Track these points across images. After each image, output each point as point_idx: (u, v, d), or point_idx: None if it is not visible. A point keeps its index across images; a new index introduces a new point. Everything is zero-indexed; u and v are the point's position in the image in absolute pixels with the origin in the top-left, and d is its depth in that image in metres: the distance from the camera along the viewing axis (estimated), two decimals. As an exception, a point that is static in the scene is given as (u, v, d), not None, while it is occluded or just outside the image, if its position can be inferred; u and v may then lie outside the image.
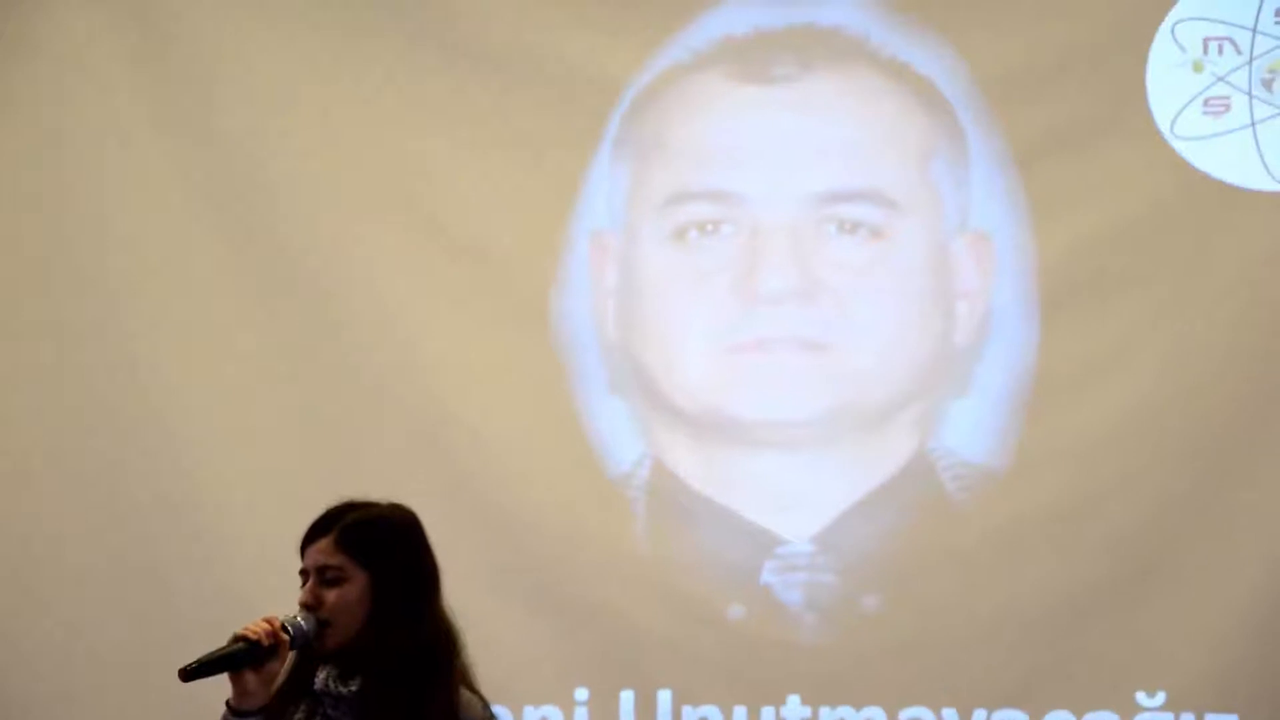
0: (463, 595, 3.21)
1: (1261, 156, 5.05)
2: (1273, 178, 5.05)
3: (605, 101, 5.20)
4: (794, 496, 5.11)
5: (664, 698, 5.06)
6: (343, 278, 5.21)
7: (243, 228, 5.25)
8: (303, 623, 3.04)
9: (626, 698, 5.06)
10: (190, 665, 2.95)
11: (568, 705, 5.06)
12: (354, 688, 3.03)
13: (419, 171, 5.22)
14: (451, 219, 5.21)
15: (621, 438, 5.15)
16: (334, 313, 5.21)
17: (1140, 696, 4.98)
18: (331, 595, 3.05)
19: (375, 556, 3.07)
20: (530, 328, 5.16)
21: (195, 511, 5.18)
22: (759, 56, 5.16)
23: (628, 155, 5.21)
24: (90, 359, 5.27)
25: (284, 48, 5.27)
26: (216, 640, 3.04)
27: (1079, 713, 4.98)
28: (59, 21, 5.32)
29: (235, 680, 3.00)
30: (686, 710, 5.05)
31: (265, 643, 2.99)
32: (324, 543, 3.08)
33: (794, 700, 5.05)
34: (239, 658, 2.98)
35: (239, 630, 3.00)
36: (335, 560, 3.06)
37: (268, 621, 3.01)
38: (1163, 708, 4.96)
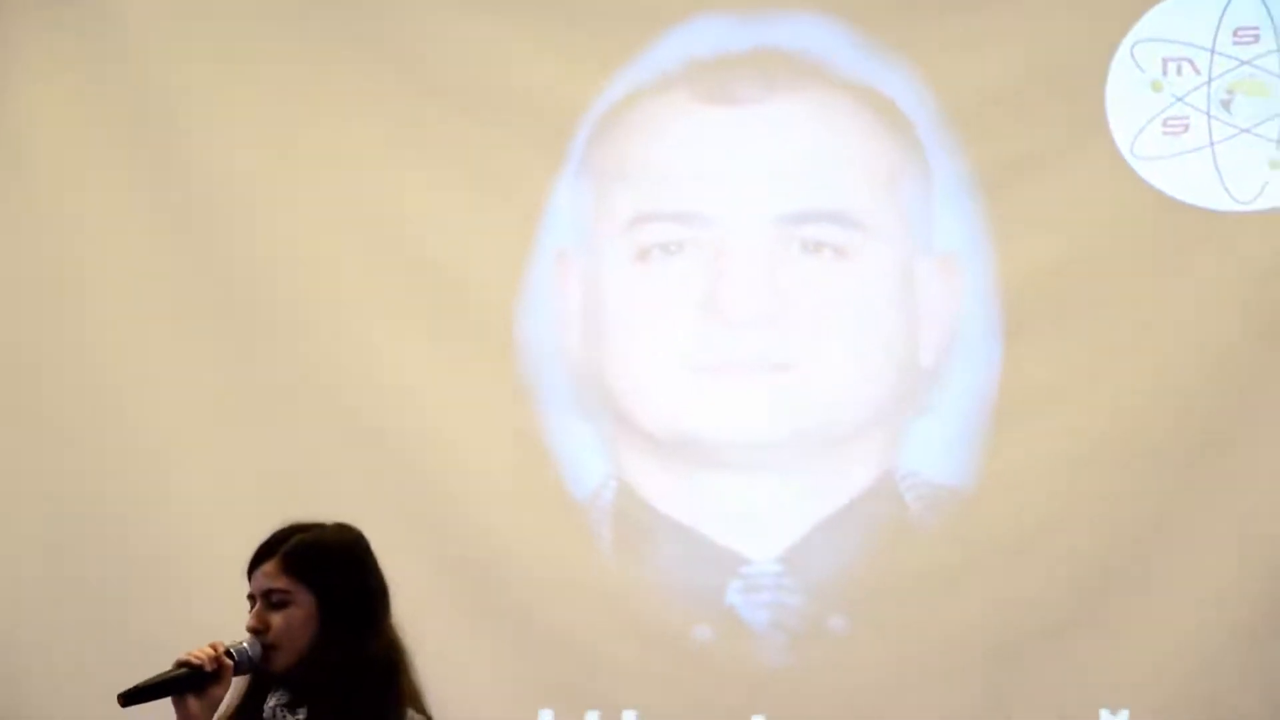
0: (426, 617, 3.11)
1: (1220, 176, 5.00)
2: (1232, 197, 4.99)
3: (569, 123, 5.11)
4: (759, 517, 5.02)
5: (629, 718, 4.95)
6: (306, 300, 5.10)
7: (204, 252, 5.12)
8: (248, 648, 2.93)
9: (592, 719, 4.95)
10: (129, 690, 2.84)
11: None
12: (301, 716, 2.92)
13: (383, 195, 5.12)
14: (416, 241, 5.11)
15: (586, 459, 5.05)
16: (297, 334, 5.10)
17: (1104, 715, 4.91)
18: (278, 619, 2.94)
19: (321, 578, 2.96)
20: (494, 349, 5.07)
21: (146, 530, 5.04)
22: (723, 78, 5.08)
23: (592, 176, 5.12)
24: (43, 371, 5.14)
25: (248, 77, 5.17)
26: (165, 660, 2.92)
27: None
28: (23, 46, 5.22)
29: (178, 706, 2.89)
30: (651, 730, 4.96)
31: (208, 668, 2.88)
32: (269, 566, 2.98)
33: (759, 720, 4.95)
34: (181, 683, 2.87)
35: (182, 655, 2.89)
36: (281, 584, 2.96)
37: (212, 647, 2.90)
38: (1126, 726, 4.90)
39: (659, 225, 5.07)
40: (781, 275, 5.02)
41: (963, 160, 5.04)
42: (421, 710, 2.98)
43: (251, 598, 2.98)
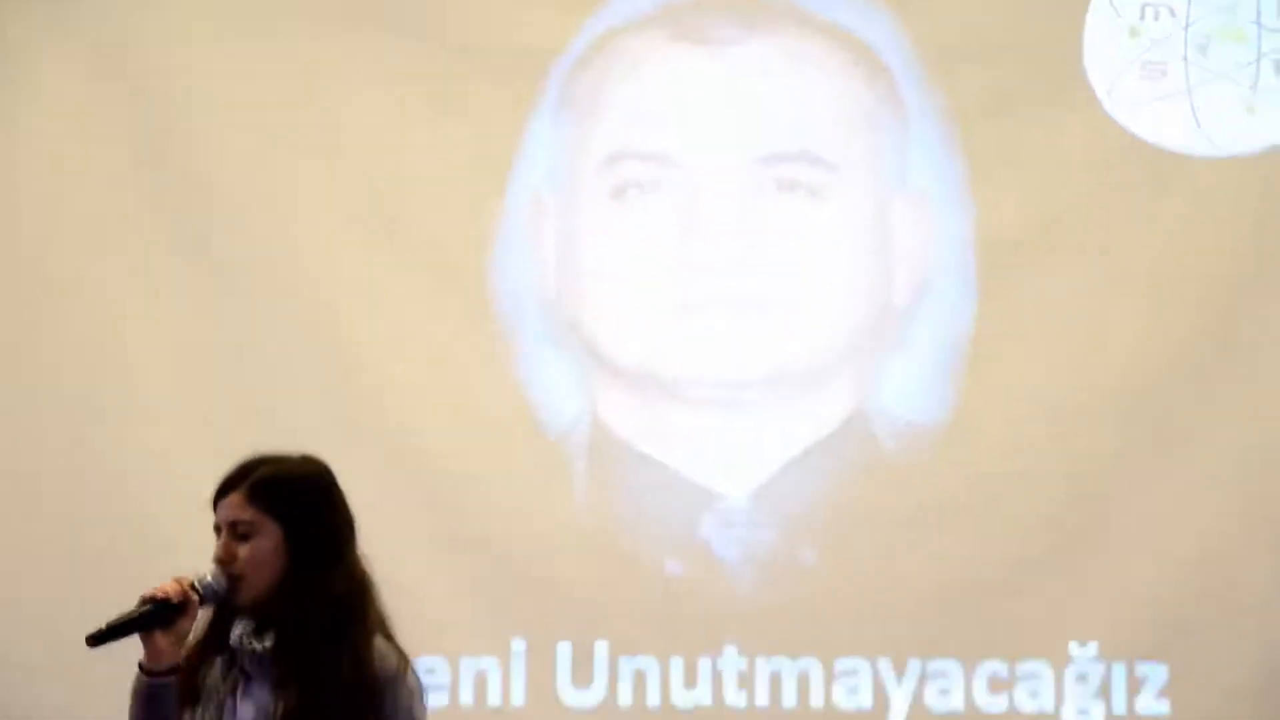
0: (400, 550, 3.15)
1: (1197, 121, 4.98)
2: (1209, 141, 4.98)
3: (543, 63, 5.07)
4: (732, 453, 5.03)
5: (601, 649, 4.97)
6: (278, 238, 5.06)
7: (177, 190, 5.07)
8: (213, 581, 2.93)
9: (563, 649, 4.97)
10: (97, 630, 2.85)
11: (505, 657, 4.96)
12: (268, 643, 2.93)
13: (356, 135, 5.07)
14: (389, 182, 5.07)
15: (560, 395, 5.04)
16: (268, 273, 5.06)
17: (1073, 647, 4.94)
18: (244, 550, 2.94)
19: (287, 510, 2.95)
20: (469, 286, 5.04)
21: (115, 467, 5.02)
22: (700, 19, 5.06)
23: (567, 115, 5.09)
24: (16, 304, 5.08)
25: (215, 12, 5.10)
26: (134, 595, 2.92)
27: (1012, 663, 4.94)
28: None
29: (146, 641, 2.89)
30: (623, 661, 4.97)
31: (175, 602, 2.88)
32: (235, 497, 2.95)
33: (730, 651, 4.97)
34: (147, 619, 2.87)
35: (147, 592, 2.90)
36: (247, 515, 2.95)
37: (176, 581, 2.91)
38: (1095, 657, 4.93)
39: (634, 164, 5.05)
40: (756, 214, 5.01)
41: (939, 103, 5.02)
42: (390, 639, 2.98)
43: (218, 528, 2.98)
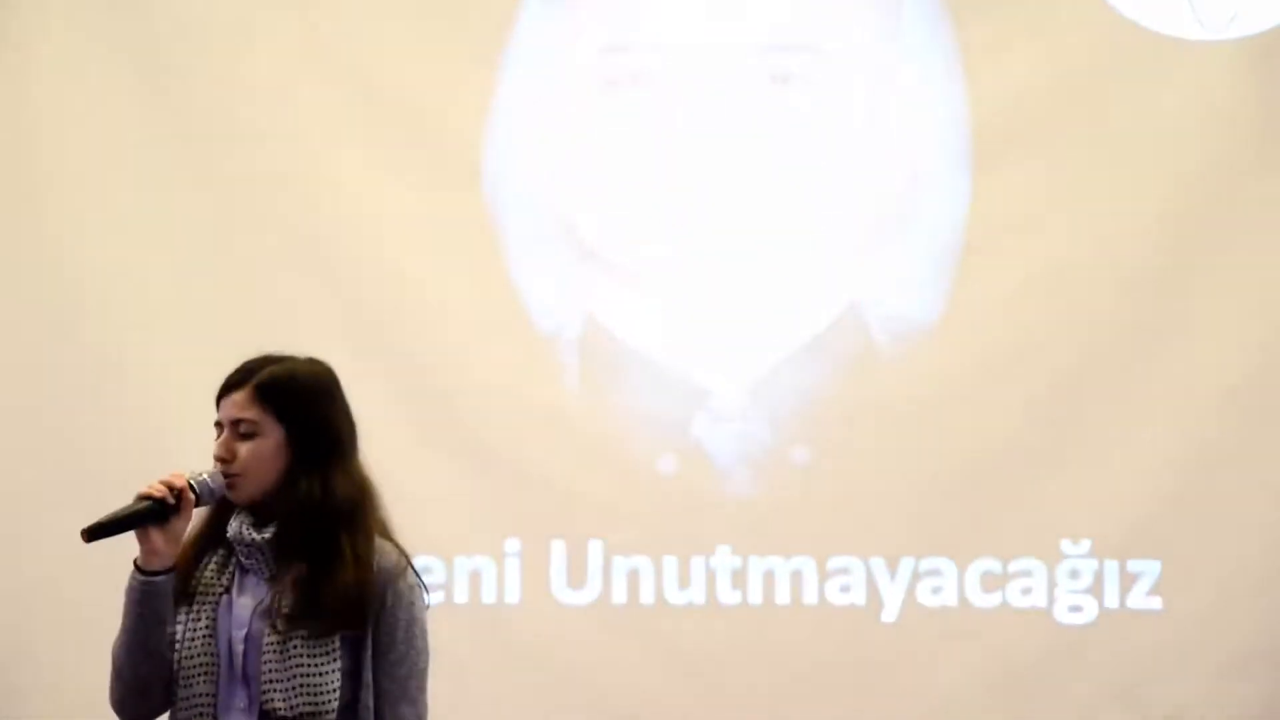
0: (394, 449, 3.09)
1: (1192, 4, 4.92)
2: (1203, 25, 4.92)
3: (534, -50, 4.99)
4: (725, 349, 4.98)
5: (595, 549, 4.93)
6: (270, 134, 4.96)
7: (169, 88, 4.96)
8: (209, 480, 2.85)
9: (557, 548, 4.93)
10: (92, 525, 2.77)
11: (499, 556, 4.92)
12: (267, 535, 2.85)
13: (343, 27, 4.97)
14: (378, 74, 4.97)
15: (552, 291, 4.97)
16: (261, 169, 4.96)
17: (1065, 544, 4.92)
18: (245, 448, 2.86)
19: (291, 411, 2.88)
20: (459, 181, 4.96)
21: (118, 367, 4.94)
22: (692, -93, 4.96)
23: (558, 6, 4.98)
24: (13, 235, 4.98)
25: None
26: (132, 493, 2.84)
27: (1005, 561, 4.92)
28: None
29: (142, 540, 2.82)
30: (617, 561, 4.93)
31: (170, 500, 2.81)
32: (239, 395, 2.88)
33: (724, 551, 4.94)
34: (142, 516, 2.80)
35: (143, 489, 2.82)
36: (250, 413, 2.87)
37: (173, 479, 2.82)
38: (1088, 554, 4.91)
39: (625, 55, 4.96)
40: (748, 105, 4.93)
41: (933, -11, 4.97)
42: (390, 539, 2.92)
43: (219, 425, 2.90)
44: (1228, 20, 4.92)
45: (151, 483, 2.81)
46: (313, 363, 2.96)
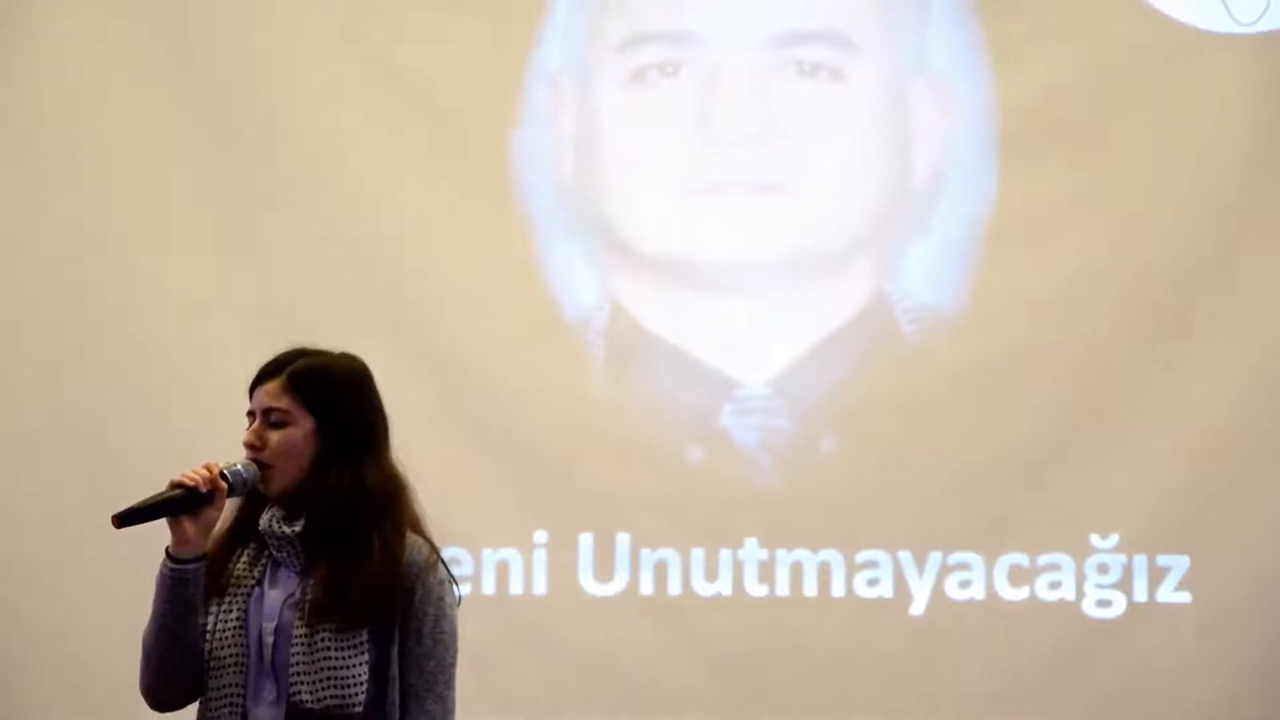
0: (421, 440, 3.04)
1: (1223, -2, 4.87)
2: (1233, 19, 4.88)
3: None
4: (752, 340, 4.94)
5: (622, 541, 4.88)
6: (302, 127, 4.93)
7: (202, 78, 4.93)
8: (242, 470, 2.83)
9: (585, 541, 4.88)
10: (124, 511, 2.75)
11: (526, 548, 4.88)
12: (298, 528, 2.83)
13: (375, 14, 4.95)
14: (407, 63, 4.94)
15: (579, 282, 4.93)
16: (291, 160, 4.92)
17: (1094, 539, 4.87)
18: (276, 437, 2.84)
19: (323, 402, 2.86)
20: (488, 172, 4.92)
21: (148, 359, 4.89)
22: (720, -102, 4.93)
23: (587, -3, 4.97)
24: (46, 204, 4.93)
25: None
26: (161, 481, 2.81)
27: (1033, 555, 4.87)
28: None
29: (173, 528, 2.80)
30: (644, 553, 4.88)
31: (203, 489, 2.78)
32: (272, 385, 2.87)
33: (751, 543, 4.89)
34: (175, 504, 2.77)
35: (176, 477, 2.79)
36: (282, 403, 2.85)
37: (206, 468, 2.80)
38: (1116, 549, 4.86)
39: (654, 46, 4.91)
40: (776, 96, 4.89)
41: (962, -21, 4.93)
42: (422, 534, 2.90)
43: (251, 415, 2.88)
44: (1259, 13, 4.88)
45: (185, 471, 2.78)
46: (345, 356, 2.95)
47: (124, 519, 2.74)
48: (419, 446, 2.97)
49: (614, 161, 4.95)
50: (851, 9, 4.94)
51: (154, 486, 2.81)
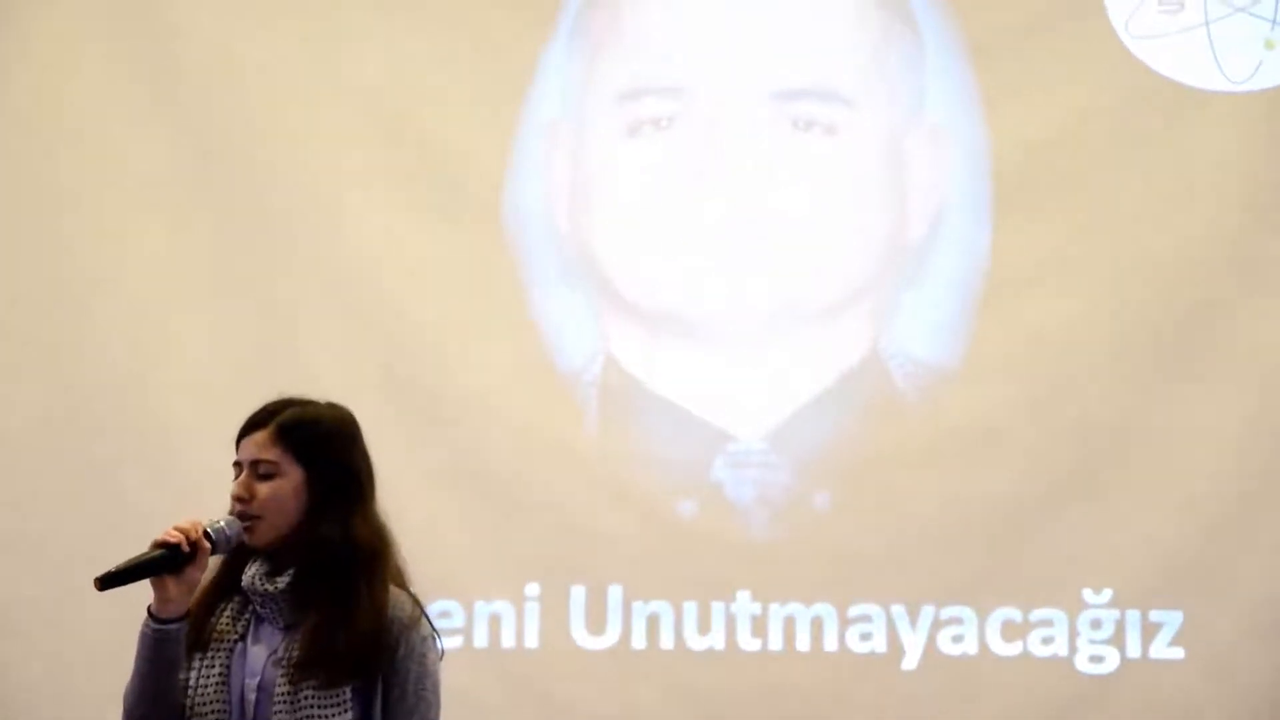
0: (413, 491, 3.02)
1: (1215, 56, 4.87)
2: (1226, 77, 4.87)
3: (557, -7, 4.95)
4: (746, 393, 4.90)
5: (614, 593, 4.84)
6: (294, 170, 4.91)
7: (192, 123, 4.92)
8: (225, 527, 2.79)
9: (577, 593, 4.84)
10: (106, 574, 2.72)
11: (518, 600, 4.83)
12: (281, 584, 2.80)
13: (370, 62, 4.93)
14: (402, 108, 4.92)
15: (573, 332, 4.91)
16: (281, 204, 4.90)
17: (1087, 594, 4.83)
18: (264, 489, 2.81)
19: (311, 453, 2.83)
20: (481, 220, 4.90)
21: (141, 407, 4.86)
22: (714, -48, 4.92)
23: (582, 46, 4.94)
24: (33, 265, 4.92)
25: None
26: (153, 531, 2.79)
27: (1026, 610, 4.84)
28: None
29: (156, 587, 2.76)
30: (637, 606, 4.84)
31: (185, 549, 2.75)
32: (260, 436, 2.84)
33: (744, 596, 4.85)
34: (156, 564, 2.74)
35: (159, 536, 2.76)
36: (270, 454, 2.82)
37: (189, 526, 2.77)
38: (1109, 604, 4.83)
39: (650, 100, 4.90)
40: (771, 151, 4.88)
41: (955, 33, 4.91)
42: (405, 588, 2.86)
43: (238, 466, 2.85)
44: (1251, 71, 4.87)
45: (167, 529, 2.76)
46: (333, 407, 2.92)
47: (105, 581, 2.71)
48: (411, 498, 2.99)
49: (608, 211, 4.93)
50: (846, 66, 4.92)
51: (143, 530, 2.79)
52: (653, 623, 4.84)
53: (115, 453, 4.86)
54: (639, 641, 4.83)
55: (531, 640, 4.82)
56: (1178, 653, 4.81)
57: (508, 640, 4.82)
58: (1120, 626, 4.81)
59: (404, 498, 2.93)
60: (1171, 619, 4.81)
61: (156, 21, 4.94)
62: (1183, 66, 4.88)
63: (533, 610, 4.83)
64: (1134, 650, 4.81)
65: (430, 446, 4.80)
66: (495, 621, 4.82)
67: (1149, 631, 4.81)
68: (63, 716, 4.79)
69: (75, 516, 4.82)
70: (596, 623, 4.83)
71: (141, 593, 2.78)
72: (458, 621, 4.75)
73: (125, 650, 2.85)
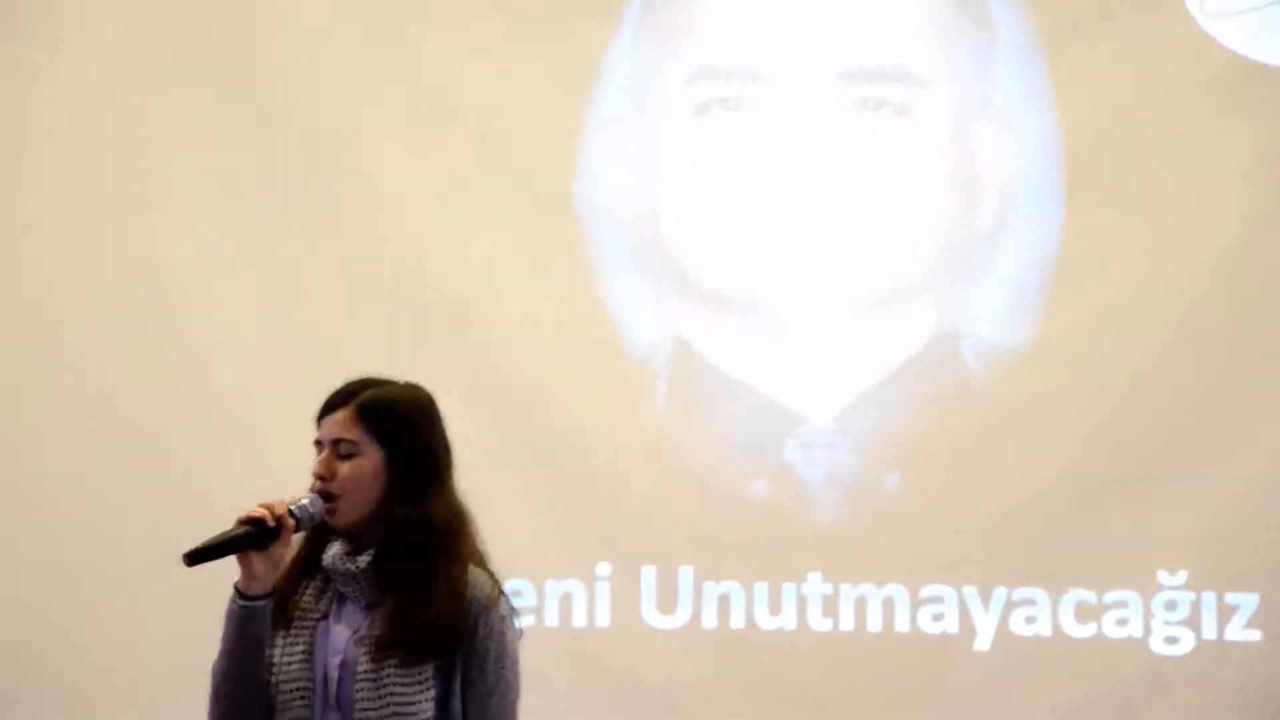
0: (486, 473, 3.02)
1: (1294, 29, 4.81)
2: (1295, 52, 4.82)
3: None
4: (816, 375, 4.89)
5: (685, 574, 4.84)
6: (364, 167, 4.90)
7: (261, 121, 4.91)
8: (309, 505, 2.81)
9: (648, 573, 4.85)
10: (194, 549, 2.74)
11: (589, 580, 4.85)
12: (362, 564, 2.81)
13: (439, 56, 4.93)
14: (473, 101, 4.92)
15: (643, 316, 4.90)
16: (359, 198, 4.90)
17: (1162, 575, 4.81)
18: (345, 468, 2.82)
19: (391, 433, 2.84)
20: (552, 208, 4.90)
21: (205, 393, 4.88)
22: (784, -66, 4.90)
23: (649, 32, 4.92)
24: (101, 257, 4.92)
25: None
26: (225, 520, 2.80)
27: (1100, 591, 4.81)
28: None
29: (243, 563, 2.79)
30: (708, 586, 4.84)
31: (270, 524, 2.77)
32: (341, 415, 2.85)
33: (815, 578, 4.85)
34: (242, 541, 2.76)
35: (243, 514, 2.78)
36: (351, 434, 2.83)
37: (272, 504, 2.78)
38: (1184, 586, 4.80)
39: (718, 82, 4.89)
40: (841, 133, 4.86)
41: (1026, 19, 4.88)
42: (484, 567, 2.87)
43: (319, 444, 2.86)
44: (1329, 47, 4.83)
45: (252, 507, 2.78)
46: (411, 387, 2.93)
47: (194, 557, 2.73)
48: (484, 479, 2.95)
49: (678, 195, 4.92)
50: (917, 46, 4.90)
51: (217, 513, 2.81)
52: (724, 603, 4.83)
53: (180, 439, 4.86)
54: (710, 621, 4.83)
55: (603, 620, 4.83)
56: (1254, 635, 4.79)
57: (579, 619, 4.84)
58: (1195, 608, 4.79)
59: (476, 478, 2.92)
60: (1248, 601, 4.79)
61: (221, 18, 4.94)
62: (1258, 45, 4.83)
63: (604, 590, 4.84)
64: (1209, 632, 4.79)
65: (502, 428, 4.80)
66: (566, 601, 4.84)
67: (1225, 613, 4.79)
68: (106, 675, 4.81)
69: (144, 505, 4.82)
70: (667, 602, 4.84)
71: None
72: (529, 600, 4.78)
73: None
